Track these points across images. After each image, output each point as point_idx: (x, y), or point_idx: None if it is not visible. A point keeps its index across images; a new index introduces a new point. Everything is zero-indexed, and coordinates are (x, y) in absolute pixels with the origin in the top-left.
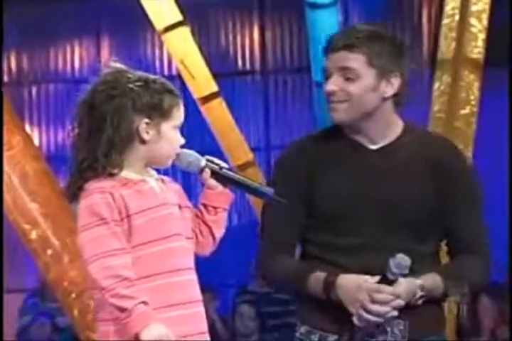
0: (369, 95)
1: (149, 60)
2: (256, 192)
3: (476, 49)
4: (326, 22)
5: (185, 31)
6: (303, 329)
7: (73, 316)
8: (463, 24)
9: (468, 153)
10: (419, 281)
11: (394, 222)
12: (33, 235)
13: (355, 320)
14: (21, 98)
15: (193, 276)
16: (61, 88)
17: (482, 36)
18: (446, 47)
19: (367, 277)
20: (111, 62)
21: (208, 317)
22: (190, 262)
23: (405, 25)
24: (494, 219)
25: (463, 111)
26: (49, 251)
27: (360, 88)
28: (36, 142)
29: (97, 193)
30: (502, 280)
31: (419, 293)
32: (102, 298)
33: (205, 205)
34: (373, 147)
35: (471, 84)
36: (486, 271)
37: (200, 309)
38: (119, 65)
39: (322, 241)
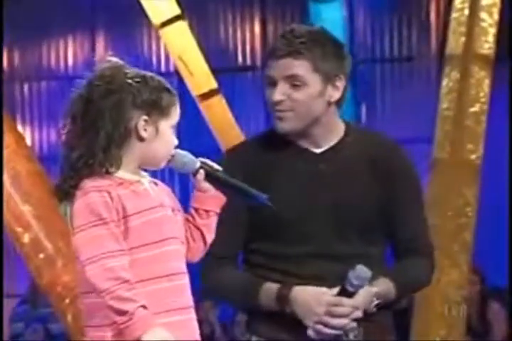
0: (316, 101)
1: (146, 55)
2: (248, 196)
3: (487, 44)
4: (330, 16)
5: (183, 26)
6: (253, 339)
7: (67, 322)
8: (472, 18)
9: (478, 153)
10: (374, 289)
11: (343, 226)
12: (26, 238)
13: (310, 332)
14: (12, 96)
15: (186, 281)
16: (54, 85)
17: (493, 31)
18: (455, 43)
19: (324, 289)
20: (106, 57)
21: (210, 324)
22: (184, 266)
23: (412, 20)
24: (503, 218)
25: (472, 109)
26: (41, 255)
27: (307, 95)
28: (28, 142)
29: (95, 192)
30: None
31: (376, 302)
32: (96, 302)
33: (196, 209)
34: (317, 150)
35: (481, 80)
36: (431, 271)
37: (193, 316)
38: (115, 60)
39: (270, 250)
